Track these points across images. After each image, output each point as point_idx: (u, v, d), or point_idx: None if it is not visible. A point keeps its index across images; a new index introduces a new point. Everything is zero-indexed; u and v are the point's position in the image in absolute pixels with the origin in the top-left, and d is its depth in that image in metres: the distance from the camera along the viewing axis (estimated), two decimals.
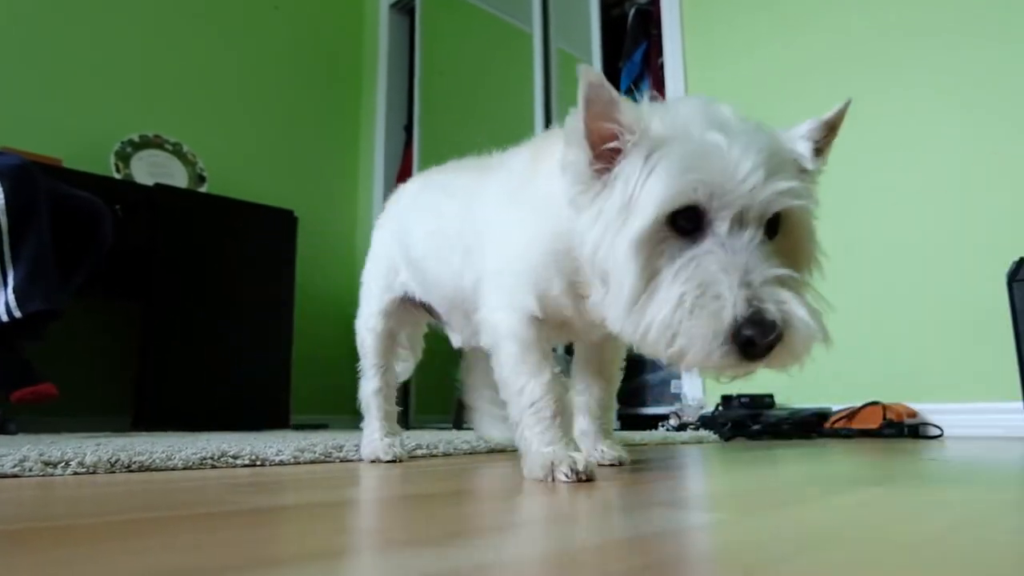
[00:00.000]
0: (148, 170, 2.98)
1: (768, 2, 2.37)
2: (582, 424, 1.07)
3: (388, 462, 1.13)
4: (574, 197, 0.74)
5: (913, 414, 1.87)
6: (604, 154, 0.71)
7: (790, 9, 2.31)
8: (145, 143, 3.05)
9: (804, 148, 0.73)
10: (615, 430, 1.68)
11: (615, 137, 0.70)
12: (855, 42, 2.16)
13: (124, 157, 2.95)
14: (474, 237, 1.00)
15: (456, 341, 1.26)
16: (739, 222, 0.65)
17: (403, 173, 3.70)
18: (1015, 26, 1.86)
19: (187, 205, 2.80)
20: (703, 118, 0.69)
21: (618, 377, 1.09)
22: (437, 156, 3.79)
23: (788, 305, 0.63)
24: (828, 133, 0.76)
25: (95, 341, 2.85)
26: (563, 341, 1.10)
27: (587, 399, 1.07)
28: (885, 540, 0.44)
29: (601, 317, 0.74)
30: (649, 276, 0.67)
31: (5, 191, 1.84)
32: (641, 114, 0.70)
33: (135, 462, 0.99)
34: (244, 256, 2.89)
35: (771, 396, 2.15)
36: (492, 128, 3.40)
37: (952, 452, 1.31)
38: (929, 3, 2.02)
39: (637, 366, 2.78)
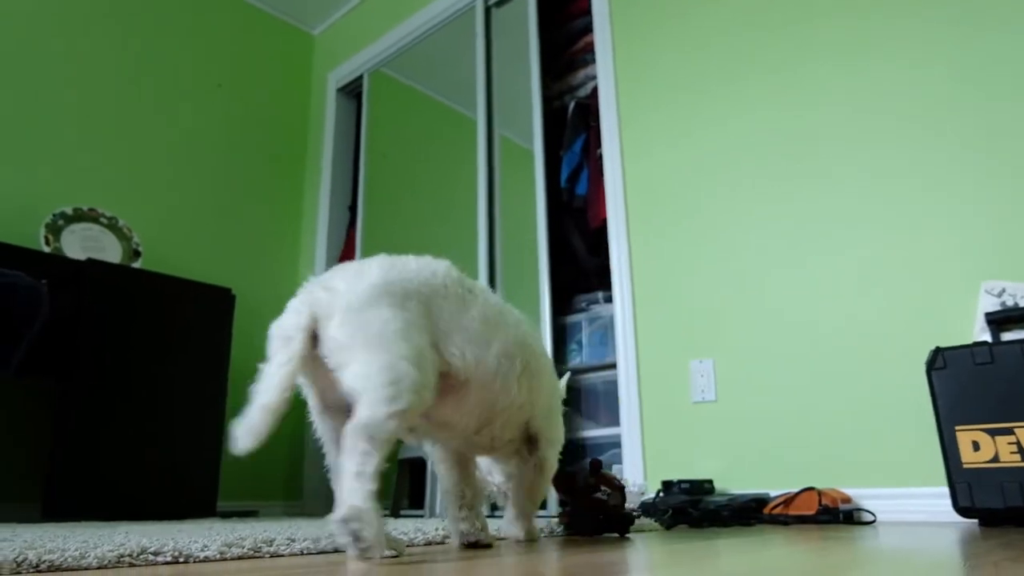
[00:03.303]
0: (80, 244, 2.89)
1: (701, 94, 2.52)
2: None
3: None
4: None
5: (847, 499, 1.91)
6: None
7: (722, 98, 2.46)
8: (79, 216, 2.97)
9: None
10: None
11: None
12: (781, 127, 2.30)
13: (55, 230, 2.86)
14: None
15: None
16: None
17: (346, 252, 3.69)
18: (938, 117, 2.02)
19: (118, 280, 2.71)
20: None
21: None
22: (380, 236, 3.83)
23: None
24: None
25: (1, 421, 2.68)
26: None
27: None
28: None
29: None
30: None
31: None
32: None
33: (44, 561, 0.92)
34: (176, 334, 2.79)
35: (710, 481, 2.16)
36: (435, 210, 3.45)
37: (890, 539, 1.33)
38: (847, 90, 2.18)
39: (577, 452, 2.77)
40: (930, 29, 2.06)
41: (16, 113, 3.00)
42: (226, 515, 2.83)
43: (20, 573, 0.89)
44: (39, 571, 0.91)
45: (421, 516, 2.55)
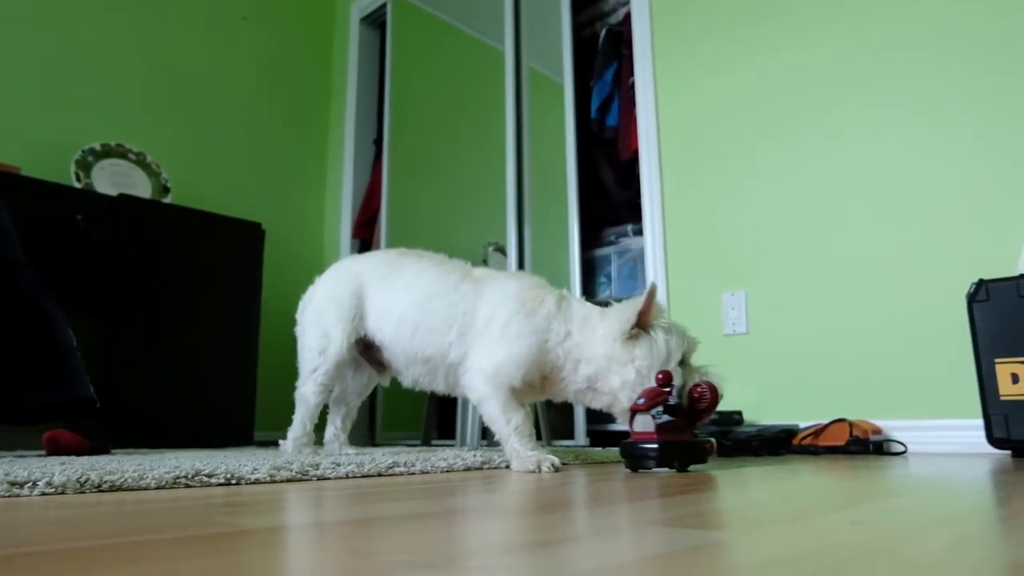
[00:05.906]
0: (110, 180, 2.91)
1: (736, 24, 2.43)
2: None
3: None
4: (620, 335, 1.39)
5: (878, 431, 1.92)
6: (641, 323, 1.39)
7: (757, 31, 2.38)
8: (107, 152, 2.97)
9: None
10: (585, 446, 1.95)
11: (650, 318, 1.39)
12: (822, 62, 2.22)
13: (85, 166, 2.88)
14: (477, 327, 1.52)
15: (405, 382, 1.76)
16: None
17: (373, 186, 3.68)
18: (979, 49, 1.93)
19: (152, 216, 2.73)
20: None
21: None
22: (406, 170, 3.78)
23: None
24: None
25: None
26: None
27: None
28: (897, 557, 0.45)
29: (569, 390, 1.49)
30: None
31: None
32: (662, 311, 1.41)
33: (106, 482, 0.96)
34: (210, 269, 2.83)
35: (739, 413, 2.18)
36: (462, 144, 3.41)
37: (921, 469, 1.34)
38: (896, 23, 2.09)
39: None
40: None
41: (41, 50, 2.98)
42: (263, 444, 2.92)
43: (83, 492, 0.93)
44: (100, 490, 0.94)
45: (452, 446, 2.61)
